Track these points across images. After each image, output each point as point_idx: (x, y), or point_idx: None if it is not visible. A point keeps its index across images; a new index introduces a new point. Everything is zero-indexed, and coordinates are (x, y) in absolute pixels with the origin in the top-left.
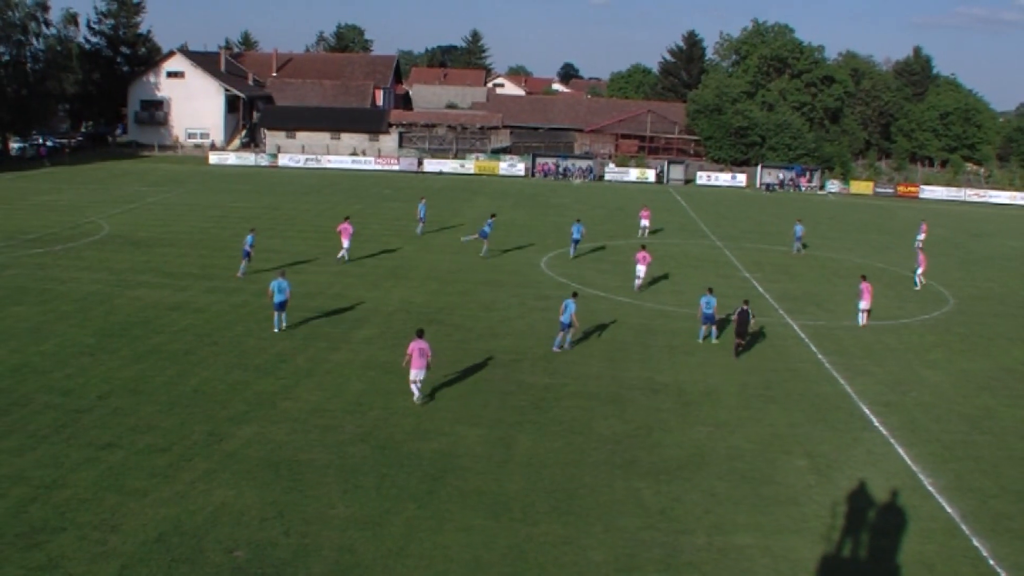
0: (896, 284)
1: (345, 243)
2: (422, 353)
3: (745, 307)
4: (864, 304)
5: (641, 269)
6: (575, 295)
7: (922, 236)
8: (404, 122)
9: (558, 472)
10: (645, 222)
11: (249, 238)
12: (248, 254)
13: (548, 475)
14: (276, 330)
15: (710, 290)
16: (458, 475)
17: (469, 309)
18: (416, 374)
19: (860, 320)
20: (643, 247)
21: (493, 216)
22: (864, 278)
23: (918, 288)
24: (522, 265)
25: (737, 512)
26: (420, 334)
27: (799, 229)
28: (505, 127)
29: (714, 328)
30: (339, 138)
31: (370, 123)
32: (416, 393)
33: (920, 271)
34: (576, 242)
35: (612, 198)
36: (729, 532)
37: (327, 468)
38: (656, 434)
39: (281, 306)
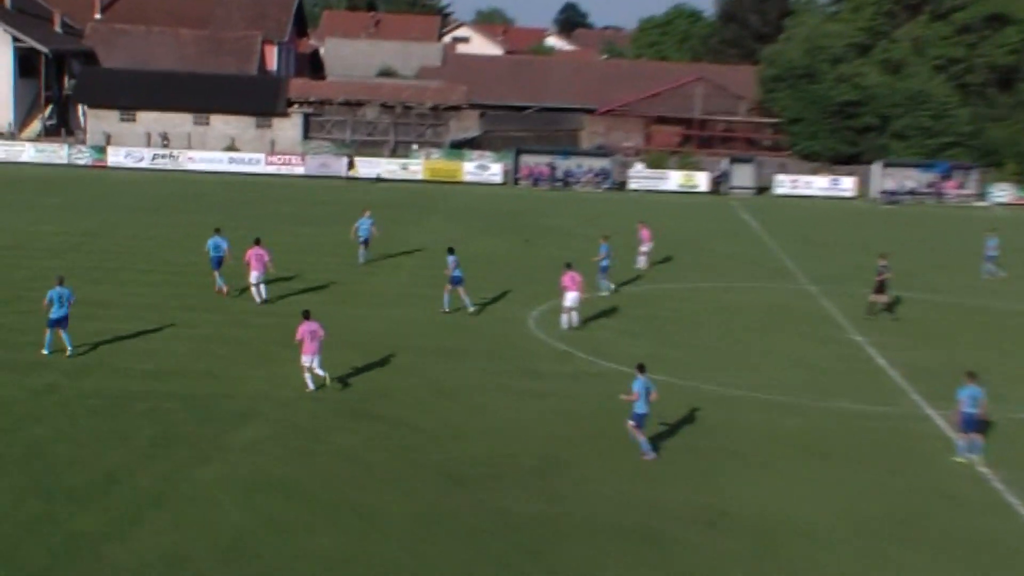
0: None
1: (257, 276)
2: (313, 336)
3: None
4: None
5: (572, 297)
6: (641, 369)
7: None
8: (312, 98)
9: None
10: (645, 247)
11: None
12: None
13: None
14: (47, 352)
15: (971, 375)
16: None
17: (416, 394)
18: (309, 359)
19: None
20: (568, 266)
21: (451, 251)
22: None
23: None
24: (499, 324)
25: None
26: (307, 315)
27: (992, 243)
28: (472, 107)
29: (978, 440)
30: (207, 123)
31: (257, 100)
32: (311, 385)
33: None
34: (604, 270)
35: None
36: None
37: None
38: None
39: (60, 323)
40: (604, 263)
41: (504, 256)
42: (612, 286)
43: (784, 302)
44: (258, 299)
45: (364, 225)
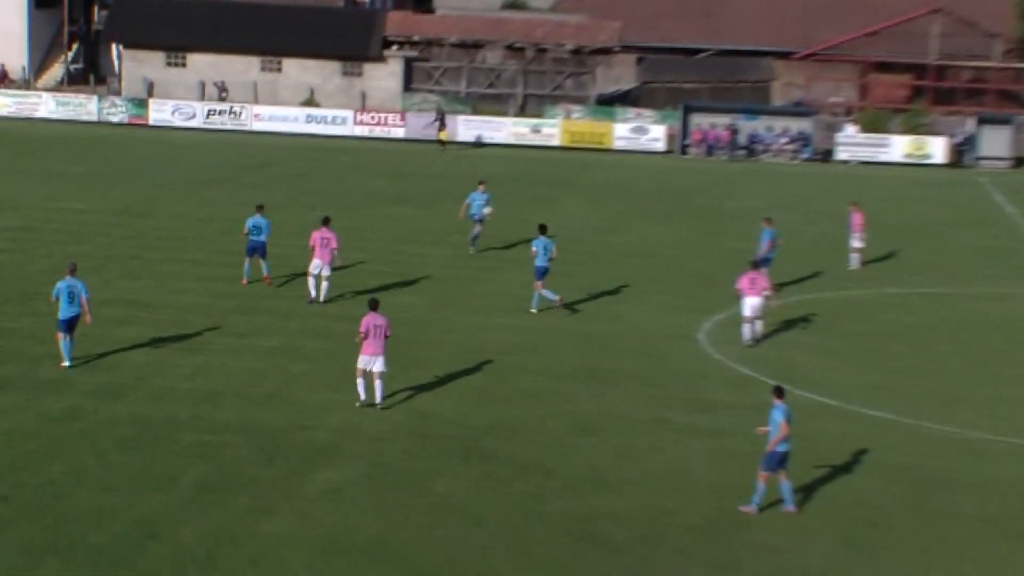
0: None
1: (325, 266)
2: (377, 332)
3: None
4: None
5: (751, 304)
6: (780, 392)
7: None
8: (416, 38)
9: None
10: (857, 238)
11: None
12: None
13: None
14: (67, 364)
15: None
16: None
17: (547, 429)
18: (369, 361)
19: None
20: (755, 265)
21: (543, 231)
22: None
23: None
24: (660, 339)
25: None
26: (374, 306)
27: None
28: (627, 50)
29: None
30: (278, 69)
31: (344, 39)
32: (363, 394)
33: None
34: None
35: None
36: None
37: None
38: None
39: (69, 326)
40: (768, 255)
41: (669, 249)
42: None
43: None
44: (312, 294)
45: (477, 201)
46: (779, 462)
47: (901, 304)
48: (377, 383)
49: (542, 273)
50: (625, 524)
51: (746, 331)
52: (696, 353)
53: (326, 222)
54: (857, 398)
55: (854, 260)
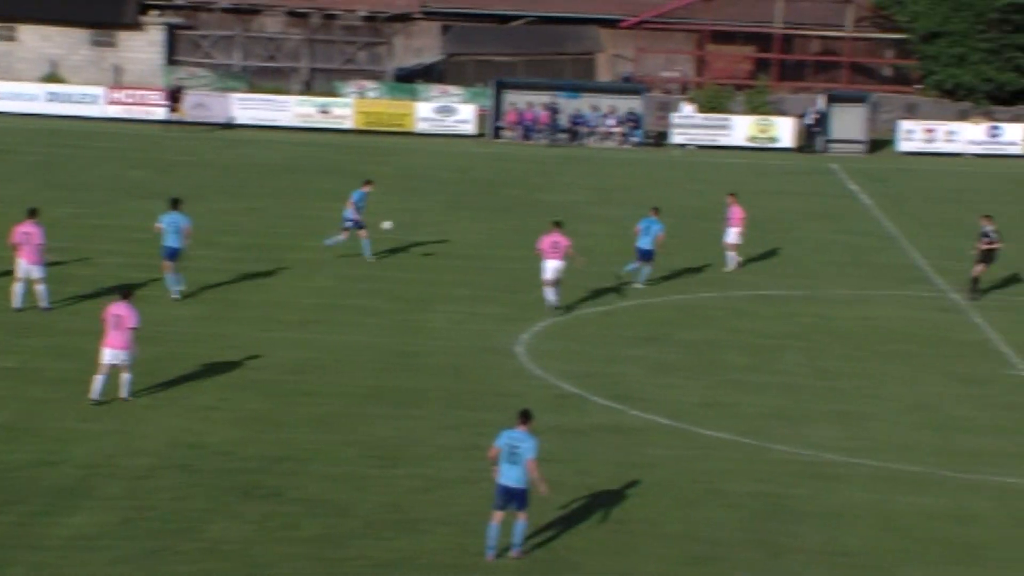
0: None
1: (32, 268)
2: (119, 323)
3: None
4: None
5: (553, 267)
6: (523, 418)
7: None
8: (180, 1)
9: None
10: (735, 231)
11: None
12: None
13: None
14: None
15: None
16: None
17: (341, 460)
18: (114, 355)
19: None
20: (557, 225)
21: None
22: None
23: None
24: (472, 353)
25: None
26: (125, 295)
27: None
28: (429, 16)
29: None
30: (12, 36)
31: (93, 2)
32: (96, 393)
33: None
34: (645, 256)
35: (690, 189)
36: None
37: None
38: None
39: None
40: (643, 245)
41: (478, 249)
42: (642, 282)
43: (910, 318)
44: (16, 304)
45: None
46: (503, 497)
47: (743, 309)
48: (124, 376)
49: (171, 254)
50: (434, 570)
51: (549, 294)
52: (512, 369)
53: (31, 215)
54: (692, 417)
55: (731, 260)
